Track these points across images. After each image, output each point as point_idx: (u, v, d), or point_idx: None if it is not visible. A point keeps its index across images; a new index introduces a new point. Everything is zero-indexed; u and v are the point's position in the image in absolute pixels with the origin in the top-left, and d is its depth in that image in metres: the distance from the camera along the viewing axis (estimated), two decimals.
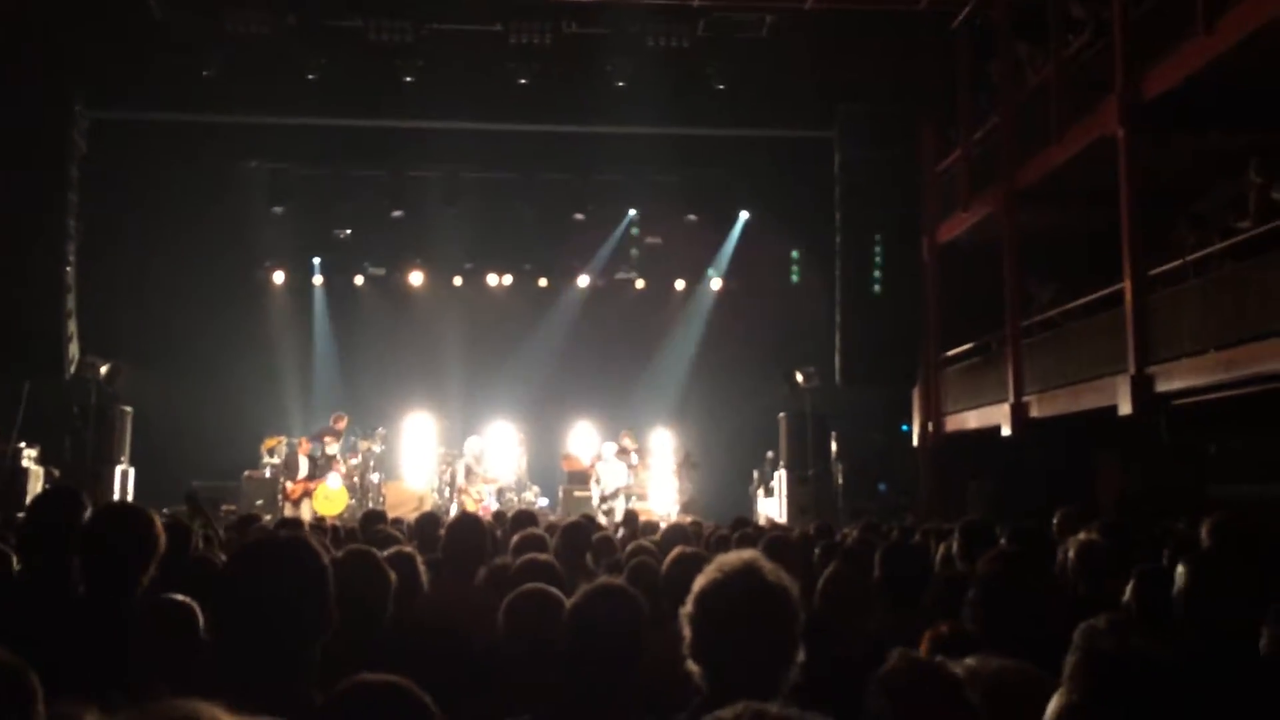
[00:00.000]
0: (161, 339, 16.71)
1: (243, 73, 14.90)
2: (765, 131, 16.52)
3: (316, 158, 17.08)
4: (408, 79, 15.06)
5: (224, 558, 4.82)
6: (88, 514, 3.36)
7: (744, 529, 7.14)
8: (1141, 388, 10.39)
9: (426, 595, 4.11)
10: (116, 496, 14.38)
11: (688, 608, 2.33)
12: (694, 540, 5.98)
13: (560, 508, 16.11)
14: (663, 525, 8.80)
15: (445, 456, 16.95)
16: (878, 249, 16.09)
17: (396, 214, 17.72)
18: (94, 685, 1.91)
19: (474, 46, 15.19)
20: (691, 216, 18.25)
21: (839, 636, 3.41)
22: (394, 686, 1.95)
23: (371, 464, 16.66)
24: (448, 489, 16.38)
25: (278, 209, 17.72)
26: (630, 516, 10.06)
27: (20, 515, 9.38)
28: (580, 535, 5.58)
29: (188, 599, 2.88)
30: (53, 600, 3.07)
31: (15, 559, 4.31)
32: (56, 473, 14.40)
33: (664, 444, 17.61)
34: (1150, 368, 10.38)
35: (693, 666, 2.29)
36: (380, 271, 19.23)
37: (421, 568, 4.15)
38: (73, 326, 14.67)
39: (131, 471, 15.40)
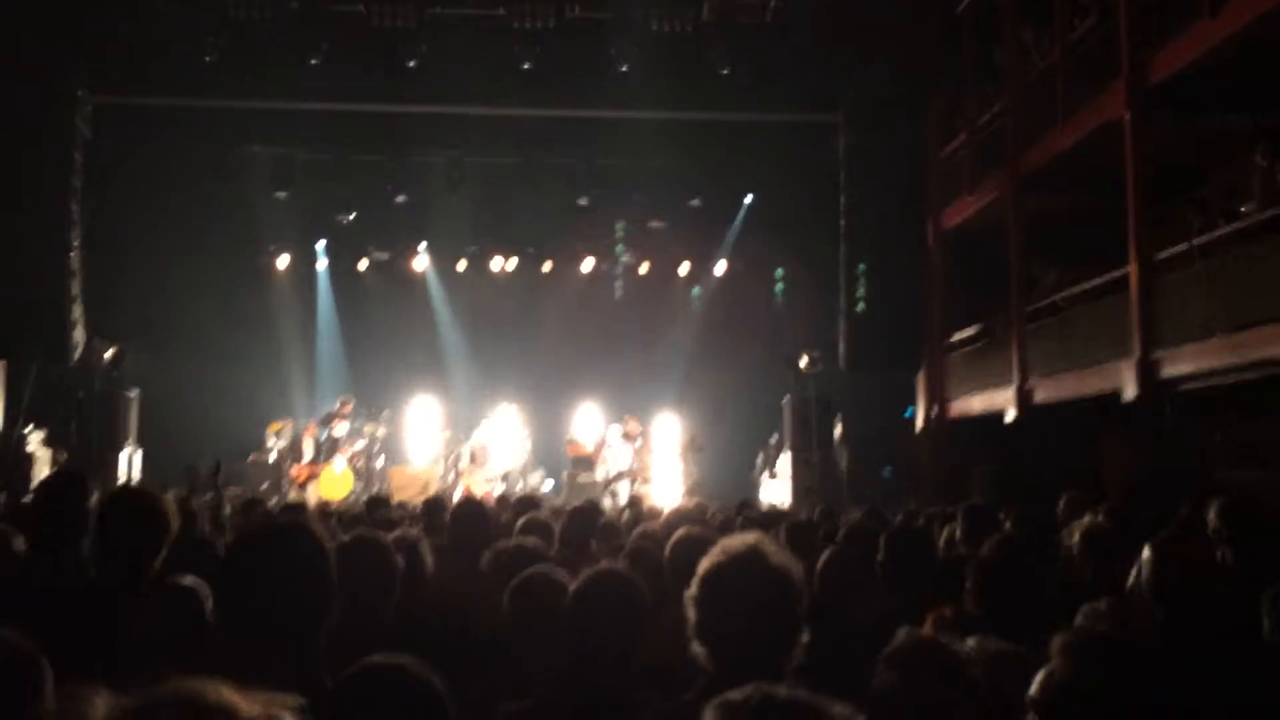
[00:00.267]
0: (167, 323, 16.74)
1: (245, 57, 14.87)
2: (769, 116, 16.46)
3: (320, 142, 17.05)
4: (411, 63, 15.03)
5: (229, 539, 4.85)
6: (94, 498, 3.38)
7: (748, 512, 7.16)
8: (1146, 372, 10.38)
9: (432, 579, 4.13)
10: (123, 480, 14.44)
11: (693, 590, 2.35)
12: (699, 523, 6.00)
13: (565, 492, 16.15)
14: (667, 509, 8.82)
15: (450, 441, 16.99)
16: (882, 233, 16.05)
17: (400, 199, 17.71)
18: (102, 668, 1.93)
19: (477, 31, 15.16)
20: (695, 201, 18.22)
21: (842, 618, 3.42)
22: (406, 668, 1.97)
23: (376, 448, 16.72)
24: (452, 474, 16.43)
25: (281, 194, 17.72)
26: (635, 500, 10.08)
27: (26, 498, 9.44)
28: (586, 521, 5.60)
29: (195, 582, 2.90)
30: (62, 584, 3.09)
31: (20, 540, 4.34)
32: (64, 455, 14.45)
33: (668, 428, 17.63)
34: (1155, 352, 10.36)
35: (698, 648, 2.31)
36: (384, 256, 19.24)
37: (427, 552, 4.17)
38: (78, 311, 14.71)
39: (138, 455, 15.46)
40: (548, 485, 17.00)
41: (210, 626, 2.87)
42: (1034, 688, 2.16)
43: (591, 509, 6.19)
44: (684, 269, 19.91)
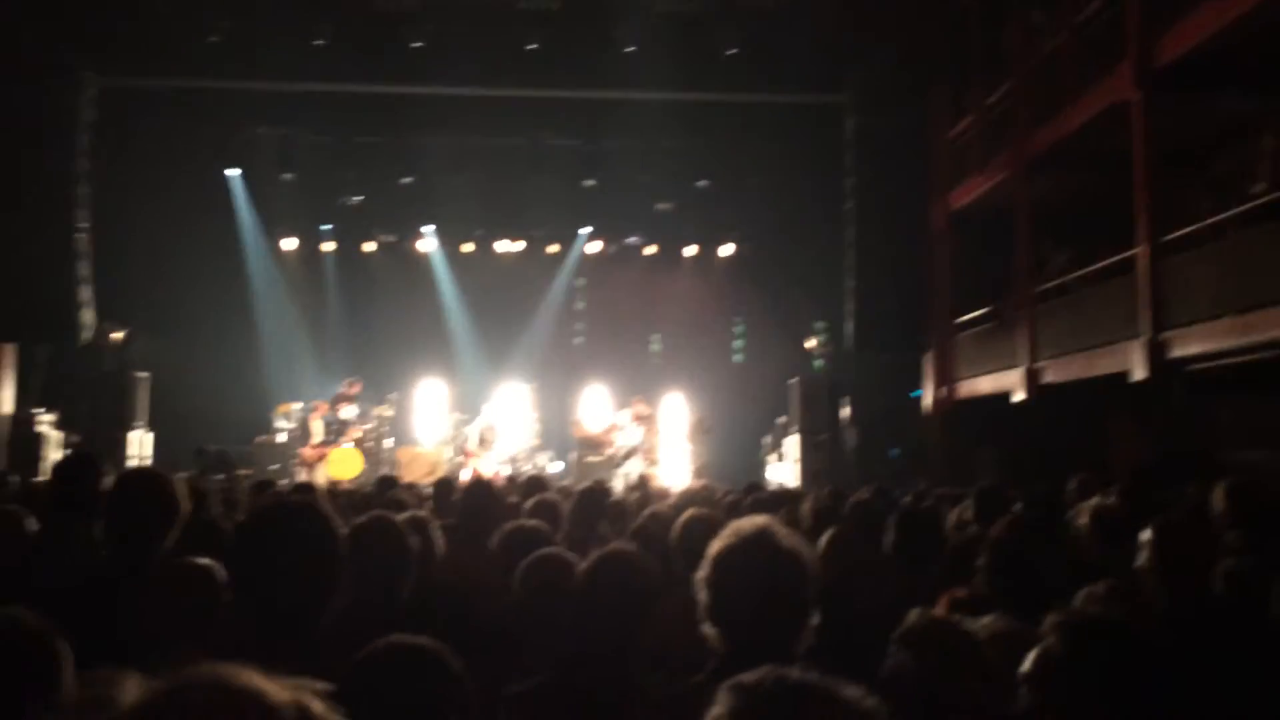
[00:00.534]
0: (175, 306, 16.78)
1: (250, 39, 14.83)
2: (776, 97, 16.39)
3: (325, 124, 17.02)
4: (415, 44, 14.98)
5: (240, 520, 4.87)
6: (107, 479, 3.40)
7: (756, 494, 7.17)
8: (1155, 353, 10.36)
9: (442, 560, 4.15)
10: (133, 461, 14.51)
11: (703, 572, 2.36)
12: (707, 505, 6.01)
13: (573, 473, 16.18)
14: (675, 491, 8.84)
15: (458, 422, 17.04)
16: (889, 215, 15.99)
17: (406, 180, 17.69)
18: (117, 648, 1.95)
19: (482, 11, 15.10)
20: (702, 182, 18.17)
21: (852, 600, 3.43)
22: (424, 648, 1.99)
23: (385, 429, 16.76)
24: (461, 455, 16.47)
25: (287, 175, 17.71)
26: (643, 480, 10.10)
27: (38, 480, 9.49)
28: (594, 502, 5.62)
29: (209, 561, 2.92)
30: (76, 565, 3.11)
31: (33, 521, 4.37)
32: (74, 438, 14.52)
33: (676, 410, 17.64)
34: (1164, 333, 10.34)
35: (709, 630, 2.32)
36: (391, 238, 19.25)
37: (437, 533, 4.19)
38: (87, 293, 14.73)
39: (149, 436, 15.52)
40: (555, 466, 17.03)
41: (224, 607, 2.89)
42: (1027, 664, 2.19)
43: (600, 490, 6.20)
44: (691, 250, 19.86)
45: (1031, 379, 13.08)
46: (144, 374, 15.67)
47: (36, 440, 14.10)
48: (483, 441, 16.06)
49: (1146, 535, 3.21)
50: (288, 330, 18.27)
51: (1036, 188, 13.33)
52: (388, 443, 16.82)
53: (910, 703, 2.17)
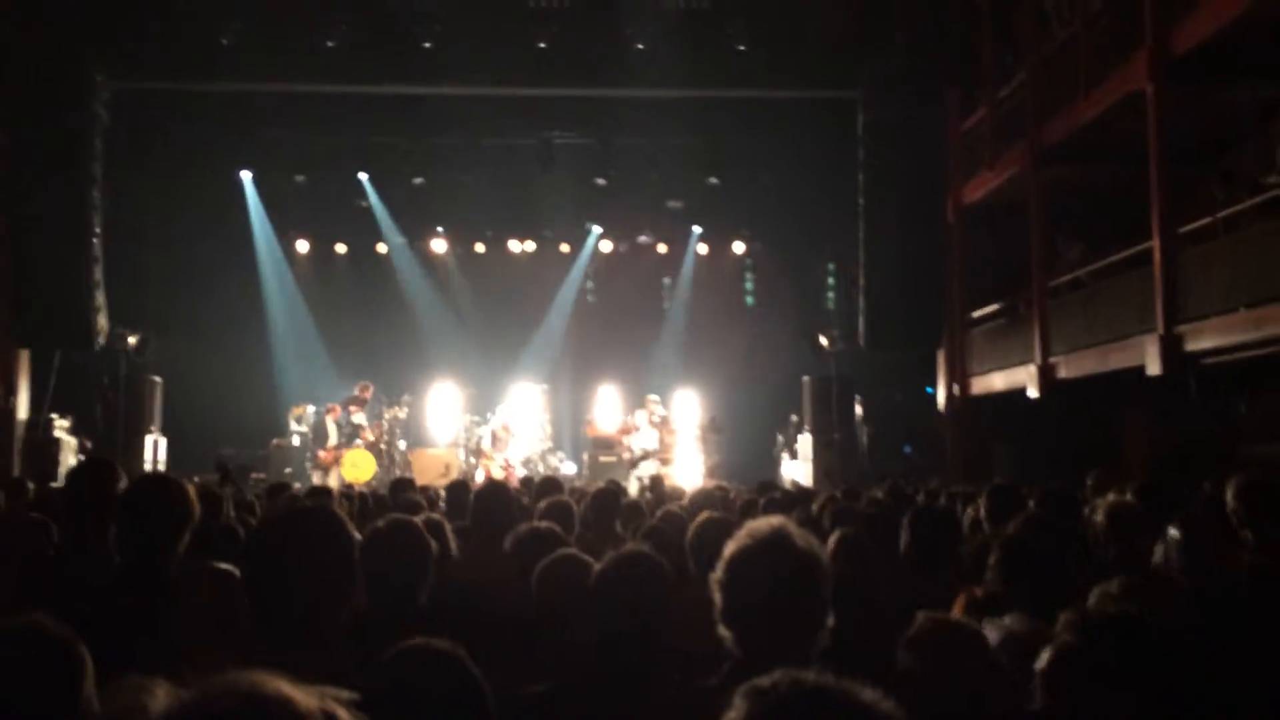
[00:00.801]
0: (189, 309, 16.86)
1: (262, 40, 14.87)
2: (787, 93, 16.34)
3: (337, 125, 17.07)
4: (427, 45, 15.00)
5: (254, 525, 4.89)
6: (123, 484, 3.41)
7: (770, 493, 7.15)
8: (1170, 347, 10.29)
9: (456, 562, 4.15)
10: (148, 466, 14.57)
11: (718, 574, 2.35)
12: (721, 505, 6.00)
13: (586, 473, 16.19)
14: (688, 490, 8.82)
15: (470, 424, 17.07)
16: (902, 209, 15.91)
17: (418, 181, 17.74)
18: (137, 654, 1.95)
19: (493, 11, 15.11)
20: (713, 180, 18.15)
21: (869, 600, 3.42)
22: (444, 652, 2.00)
23: (398, 431, 16.80)
24: (474, 456, 16.50)
25: (300, 178, 17.77)
26: (656, 481, 10.09)
27: (54, 485, 9.54)
28: (609, 502, 5.61)
29: (229, 566, 2.92)
30: (93, 569, 3.12)
31: (49, 529, 4.39)
32: (89, 443, 14.59)
33: (688, 408, 17.63)
34: (1179, 327, 10.27)
35: (724, 632, 2.31)
36: (402, 239, 19.30)
37: (451, 535, 4.19)
38: (101, 298, 14.79)
39: (163, 441, 15.58)
40: (569, 467, 17.05)
41: (242, 609, 2.90)
42: (1042, 661, 2.18)
43: (615, 490, 6.20)
44: (703, 249, 19.86)
45: (1045, 374, 13.02)
46: (158, 378, 15.74)
47: (52, 446, 14.16)
48: (496, 442, 16.09)
49: (1174, 532, 3.17)
50: (301, 333, 18.34)
51: (1049, 180, 13.26)
52: (400, 444, 16.85)
53: (919, 706, 2.16)
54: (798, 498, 7.55)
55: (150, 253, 16.44)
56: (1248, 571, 3.43)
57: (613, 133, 17.29)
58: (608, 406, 17.78)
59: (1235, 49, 9.81)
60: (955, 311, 15.86)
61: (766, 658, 1.62)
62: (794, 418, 17.06)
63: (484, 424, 16.61)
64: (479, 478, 14.15)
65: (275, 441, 16.35)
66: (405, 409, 17.04)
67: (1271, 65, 10.09)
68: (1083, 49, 12.15)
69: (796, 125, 17.00)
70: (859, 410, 16.56)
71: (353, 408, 15.84)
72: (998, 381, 14.67)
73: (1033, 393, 13.25)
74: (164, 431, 15.65)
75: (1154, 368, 10.46)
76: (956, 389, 15.82)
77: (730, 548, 2.35)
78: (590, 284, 19.93)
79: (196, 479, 7.31)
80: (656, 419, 16.07)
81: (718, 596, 2.33)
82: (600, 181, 17.77)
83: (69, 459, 13.98)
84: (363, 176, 18.15)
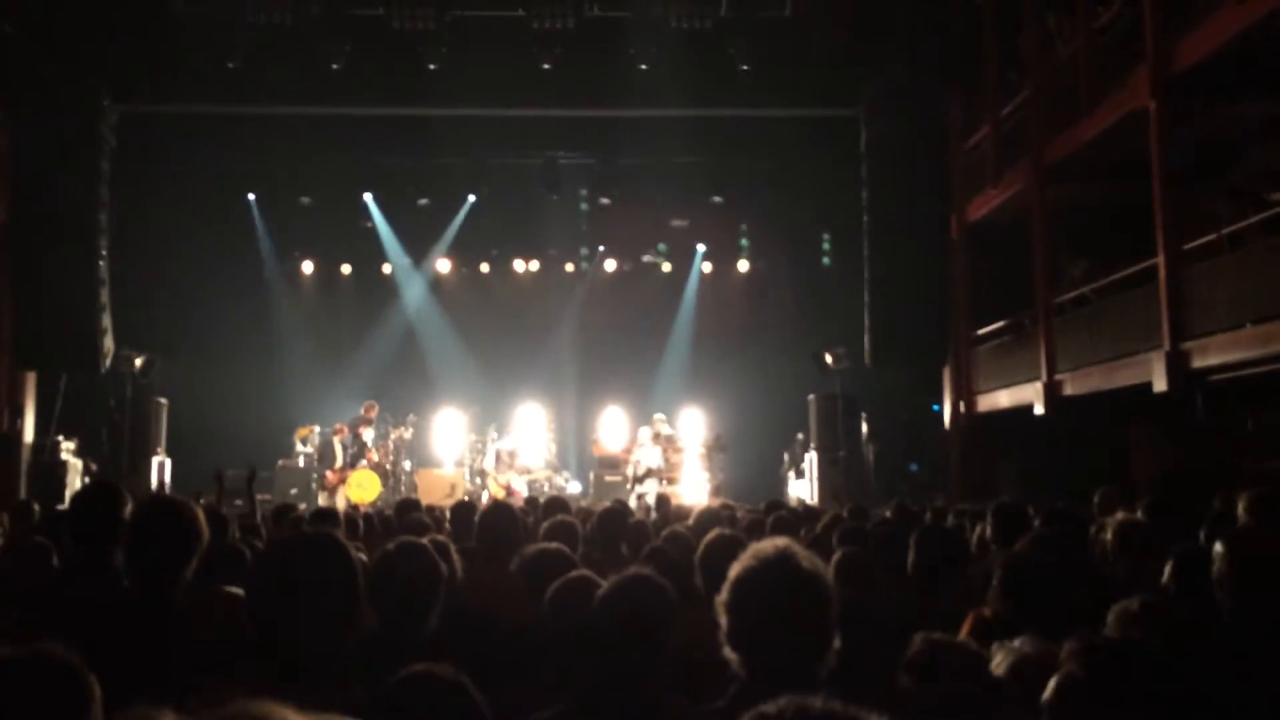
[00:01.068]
0: (194, 331, 16.90)
1: (267, 63, 14.95)
2: (790, 111, 16.39)
3: (342, 147, 17.14)
4: (431, 66, 15.07)
5: (260, 546, 4.88)
6: (129, 508, 3.40)
7: (777, 512, 7.12)
8: (1177, 364, 10.27)
9: (461, 583, 4.14)
10: (154, 487, 14.57)
11: (724, 596, 2.34)
12: (728, 524, 5.98)
13: (592, 492, 16.17)
14: (695, 509, 8.79)
15: (476, 444, 17.06)
16: (905, 227, 15.92)
17: (422, 201, 17.79)
18: (144, 680, 1.94)
19: (497, 32, 15.17)
20: (717, 198, 18.19)
21: (878, 621, 3.40)
22: (448, 679, 1.99)
23: (403, 451, 16.79)
24: (479, 476, 16.48)
25: (305, 199, 17.83)
26: (662, 500, 10.06)
27: (60, 508, 9.54)
28: (615, 522, 5.59)
29: (237, 591, 2.91)
30: (100, 595, 3.11)
31: (55, 554, 4.39)
32: (95, 465, 14.60)
33: (693, 427, 17.61)
34: (1185, 343, 10.25)
35: (730, 654, 2.30)
36: (406, 260, 19.35)
37: (456, 556, 4.18)
38: (107, 320, 14.84)
39: (169, 463, 15.59)
40: (574, 487, 17.02)
41: (250, 635, 2.89)
42: (1047, 692, 2.17)
43: (621, 510, 6.17)
44: (707, 267, 19.89)
45: (1051, 392, 13.00)
46: (163, 400, 15.76)
47: (58, 468, 14.18)
48: (501, 462, 16.07)
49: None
50: (306, 353, 18.35)
51: (1053, 198, 13.28)
52: (406, 465, 16.84)
53: None
54: (805, 516, 7.53)
55: (156, 275, 16.49)
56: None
57: (616, 153, 17.34)
58: (614, 426, 17.76)
59: (1237, 65, 9.83)
60: (960, 329, 15.85)
61: (773, 680, 1.62)
62: (800, 436, 17.04)
63: (489, 444, 16.60)
64: (484, 498, 14.14)
65: (281, 462, 16.34)
66: (410, 429, 17.03)
67: (1273, 80, 10.10)
68: (1085, 66, 12.18)
69: (799, 143, 17.05)
70: (865, 428, 16.53)
71: (360, 427, 15.84)
72: (1003, 399, 14.64)
73: (1039, 410, 13.23)
74: (169, 453, 15.66)
75: (1160, 384, 10.44)
76: (962, 406, 15.80)
77: (735, 570, 2.34)
78: (595, 302, 19.94)
79: (203, 500, 7.31)
80: (662, 438, 16.04)
81: (723, 619, 2.32)
82: (604, 201, 17.82)
83: (75, 481, 14.00)
84: (368, 197, 18.31)
